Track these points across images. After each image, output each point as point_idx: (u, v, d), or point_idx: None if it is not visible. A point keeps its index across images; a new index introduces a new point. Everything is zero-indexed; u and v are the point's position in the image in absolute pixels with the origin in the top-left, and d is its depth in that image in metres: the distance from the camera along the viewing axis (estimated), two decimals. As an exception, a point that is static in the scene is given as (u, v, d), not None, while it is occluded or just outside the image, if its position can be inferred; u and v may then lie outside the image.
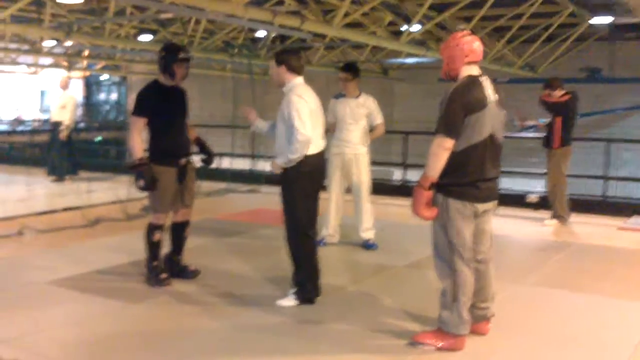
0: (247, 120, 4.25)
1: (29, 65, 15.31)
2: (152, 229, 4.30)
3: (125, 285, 4.33)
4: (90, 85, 20.96)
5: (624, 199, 8.62)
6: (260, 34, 11.71)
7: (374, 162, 5.82)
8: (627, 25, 10.85)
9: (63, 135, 9.17)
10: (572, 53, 12.82)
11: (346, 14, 7.90)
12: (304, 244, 3.94)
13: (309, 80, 4.04)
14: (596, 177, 8.88)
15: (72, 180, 9.25)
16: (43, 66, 15.24)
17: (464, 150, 3.17)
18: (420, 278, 4.56)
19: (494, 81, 3.35)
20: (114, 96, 20.96)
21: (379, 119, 5.47)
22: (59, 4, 9.28)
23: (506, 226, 6.41)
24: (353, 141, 5.37)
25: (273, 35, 11.43)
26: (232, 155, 9.56)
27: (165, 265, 4.43)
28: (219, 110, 16.23)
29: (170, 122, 4.29)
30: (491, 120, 3.22)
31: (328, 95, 5.28)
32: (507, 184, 8.51)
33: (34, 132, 16.02)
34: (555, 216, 6.65)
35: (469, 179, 3.20)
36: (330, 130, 5.27)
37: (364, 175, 5.38)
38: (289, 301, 3.93)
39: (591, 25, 10.89)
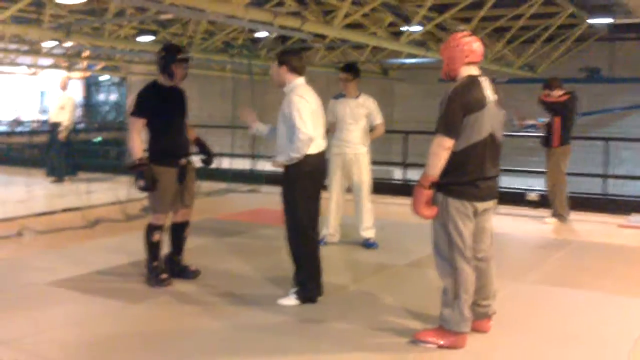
0: (246, 123, 4.24)
1: (28, 66, 15.31)
2: (151, 229, 4.29)
3: (126, 286, 4.33)
4: (90, 86, 20.95)
5: (624, 197, 8.62)
6: (260, 34, 11.71)
7: (374, 162, 5.82)
8: (627, 26, 10.86)
9: (62, 136, 9.16)
10: (571, 53, 12.83)
11: (346, 15, 7.91)
12: (305, 243, 3.94)
13: (310, 81, 4.05)
14: (595, 176, 8.89)
15: (71, 181, 9.25)
16: (42, 67, 15.24)
17: (463, 149, 3.18)
18: (421, 277, 4.56)
19: (493, 81, 3.36)
20: (113, 97, 20.95)
21: (378, 119, 5.48)
22: (59, 5, 9.27)
23: (506, 224, 6.42)
24: (353, 141, 5.38)
25: (273, 36, 11.44)
26: (232, 155, 9.55)
27: (165, 266, 4.42)
28: (218, 111, 16.23)
29: (169, 123, 4.29)
30: (490, 120, 3.23)
31: (328, 95, 5.29)
32: (507, 183, 8.52)
33: (33, 133, 16.01)
34: (555, 214, 6.66)
35: (469, 178, 3.21)
36: (331, 130, 5.27)
37: (364, 175, 5.38)
38: (290, 300, 3.92)
39: (591, 26, 10.91)
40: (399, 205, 7.18)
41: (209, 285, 4.31)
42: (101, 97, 20.99)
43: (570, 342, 3.40)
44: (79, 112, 16.99)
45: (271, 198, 7.49)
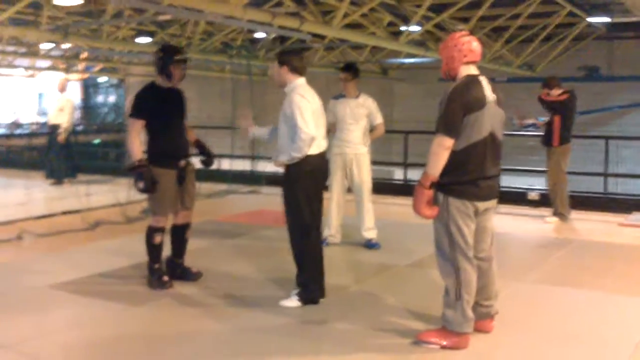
0: (243, 128, 4.24)
1: (26, 68, 15.28)
2: (152, 231, 4.29)
3: (127, 288, 4.32)
4: (88, 87, 20.93)
5: (624, 196, 8.63)
6: (259, 34, 11.70)
7: (375, 162, 5.82)
8: (625, 24, 10.87)
9: (61, 138, 9.14)
10: (570, 52, 12.84)
11: (345, 15, 7.90)
12: (307, 244, 3.93)
13: (309, 81, 4.04)
14: (595, 174, 8.89)
15: (70, 184, 9.23)
16: (40, 69, 15.22)
17: (464, 149, 3.18)
18: (422, 277, 4.55)
19: (492, 80, 3.36)
20: (112, 98, 20.93)
21: (378, 119, 5.47)
22: (56, 6, 9.26)
23: (507, 224, 6.41)
24: (354, 141, 5.37)
25: (272, 36, 11.43)
26: (231, 156, 9.54)
27: (166, 268, 4.42)
28: (218, 112, 16.21)
29: (168, 124, 4.28)
30: (490, 119, 3.23)
31: (328, 96, 5.28)
32: (508, 182, 8.52)
33: (32, 135, 16.00)
34: (556, 213, 6.66)
35: (469, 177, 3.21)
36: (331, 130, 5.27)
37: (365, 175, 5.38)
38: (292, 302, 3.91)
39: (589, 25, 10.91)
40: (400, 206, 7.18)
41: (211, 287, 4.30)
42: (100, 98, 20.98)
43: (572, 342, 3.40)
44: (77, 114, 16.98)
45: (272, 199, 7.49)
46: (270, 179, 8.88)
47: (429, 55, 10.20)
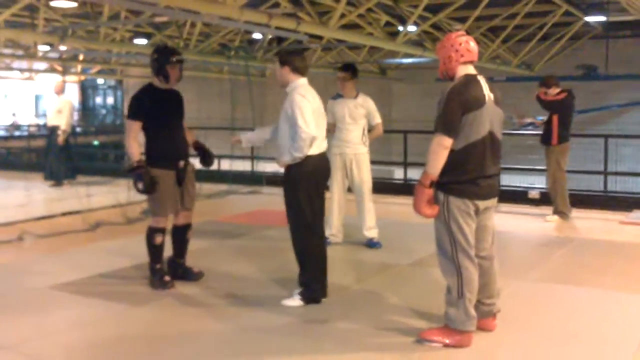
0: (234, 141, 4.30)
1: (23, 70, 15.27)
2: (152, 232, 4.28)
3: (128, 289, 4.31)
4: (86, 89, 20.93)
5: (624, 194, 8.65)
6: (257, 35, 11.71)
7: (374, 162, 5.82)
8: (621, 23, 10.90)
9: (60, 139, 9.13)
10: (567, 51, 12.88)
11: (342, 16, 7.91)
12: (309, 244, 3.93)
13: (308, 82, 4.04)
14: (595, 173, 8.91)
15: (70, 185, 9.22)
16: (38, 71, 15.20)
17: (463, 148, 3.18)
18: (424, 276, 4.55)
19: (491, 80, 3.36)
20: (110, 100, 20.93)
21: (377, 119, 5.48)
22: (53, 9, 9.26)
23: (508, 222, 6.42)
24: (353, 141, 5.37)
25: (269, 37, 11.43)
26: (231, 157, 9.53)
27: (168, 268, 4.41)
28: (217, 112, 16.22)
29: (166, 125, 4.27)
30: (489, 118, 3.24)
31: (326, 96, 5.28)
32: (508, 181, 8.53)
33: (31, 137, 15.98)
34: (556, 212, 6.66)
35: (469, 176, 3.21)
36: (330, 131, 5.27)
37: (365, 175, 5.38)
38: (294, 301, 3.91)
39: (586, 24, 10.94)
40: (401, 205, 7.18)
41: (212, 287, 4.29)
42: (98, 100, 20.97)
43: (574, 340, 3.40)
44: (76, 115, 16.96)
45: (272, 199, 7.49)
46: (271, 179, 8.88)
47: (426, 55, 10.22)
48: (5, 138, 16.85)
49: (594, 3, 9.79)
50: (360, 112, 5.38)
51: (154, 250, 4.30)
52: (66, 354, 3.32)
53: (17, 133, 17.77)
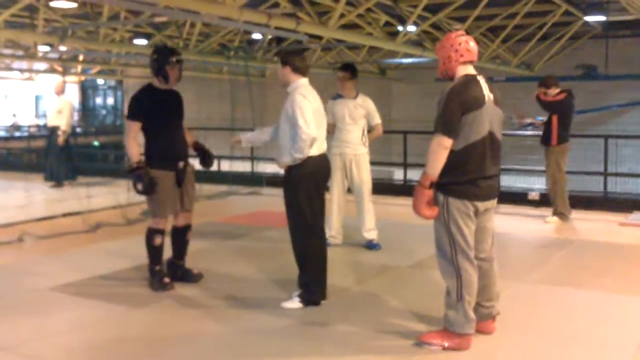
0: (234, 142, 4.31)
1: (23, 70, 15.27)
2: (152, 233, 4.28)
3: (128, 290, 4.31)
4: (86, 89, 20.94)
5: (624, 195, 8.64)
6: (257, 35, 11.70)
7: (374, 162, 5.81)
8: (621, 23, 10.90)
9: (61, 140, 9.13)
10: (567, 51, 12.87)
11: (341, 16, 7.91)
12: (309, 245, 3.93)
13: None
14: (595, 174, 8.90)
15: (70, 186, 9.22)
16: (38, 71, 15.20)
17: (463, 148, 3.18)
18: (424, 278, 4.55)
19: (490, 80, 3.36)
20: (110, 100, 20.94)
21: (377, 119, 5.48)
22: (53, 9, 9.26)
23: (507, 224, 6.41)
24: (353, 142, 5.37)
25: (269, 37, 11.42)
26: (231, 157, 9.54)
27: (167, 270, 4.41)
28: (217, 113, 16.21)
29: (165, 126, 4.27)
30: (489, 119, 3.23)
31: (326, 97, 5.29)
32: (508, 182, 8.53)
33: (31, 137, 15.99)
34: (556, 213, 6.66)
35: (469, 177, 3.21)
36: (330, 131, 5.26)
37: (365, 176, 5.38)
38: (293, 303, 3.91)
39: (585, 23, 10.94)
40: (400, 206, 7.18)
41: (212, 289, 4.29)
42: (98, 100, 20.97)
43: (574, 342, 3.40)
44: (76, 116, 16.97)
45: (272, 200, 7.48)
46: (271, 180, 8.88)
47: (426, 55, 10.21)
48: (5, 139, 16.86)
49: (594, 3, 9.78)
50: (360, 112, 5.37)
51: (154, 252, 4.30)
52: (66, 356, 3.33)
53: (17, 134, 17.79)
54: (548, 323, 3.65)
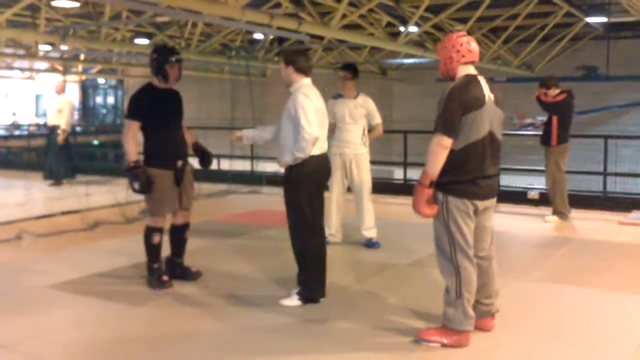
0: (235, 138, 4.29)
1: (24, 69, 15.28)
2: (150, 231, 4.28)
3: (127, 288, 4.31)
4: (87, 89, 20.96)
5: (623, 194, 8.64)
6: (258, 35, 11.71)
7: (374, 162, 5.81)
8: (622, 24, 10.91)
9: (60, 138, 9.14)
10: (568, 52, 12.87)
11: (343, 16, 7.92)
12: (309, 243, 3.93)
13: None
14: (595, 174, 8.91)
15: (69, 184, 9.23)
16: (39, 70, 15.22)
17: (463, 148, 3.19)
18: (423, 276, 4.55)
19: (491, 80, 3.36)
20: (110, 100, 20.96)
21: (377, 119, 5.48)
22: (54, 8, 9.27)
23: (507, 223, 6.42)
24: (353, 141, 5.37)
25: (271, 37, 11.43)
26: (231, 156, 9.54)
27: (166, 268, 4.41)
28: (217, 112, 16.23)
29: (165, 125, 4.27)
30: (489, 119, 3.24)
31: (327, 96, 5.29)
32: (508, 181, 8.53)
33: (30, 136, 16.01)
34: (556, 212, 6.67)
35: (469, 176, 3.21)
36: (331, 131, 5.27)
37: (365, 175, 5.38)
38: (292, 301, 3.91)
39: (586, 25, 10.94)
40: (400, 205, 7.18)
41: (210, 287, 4.29)
42: (98, 100, 21.00)
43: (573, 340, 3.40)
44: (76, 115, 16.99)
45: (272, 199, 7.49)
46: (270, 179, 8.89)
47: (427, 55, 10.22)
48: (5, 137, 16.88)
49: (595, 4, 9.79)
50: (361, 112, 5.38)
51: (152, 250, 4.30)
52: (65, 353, 3.32)
53: (17, 132, 17.80)
54: (547, 321, 3.65)
